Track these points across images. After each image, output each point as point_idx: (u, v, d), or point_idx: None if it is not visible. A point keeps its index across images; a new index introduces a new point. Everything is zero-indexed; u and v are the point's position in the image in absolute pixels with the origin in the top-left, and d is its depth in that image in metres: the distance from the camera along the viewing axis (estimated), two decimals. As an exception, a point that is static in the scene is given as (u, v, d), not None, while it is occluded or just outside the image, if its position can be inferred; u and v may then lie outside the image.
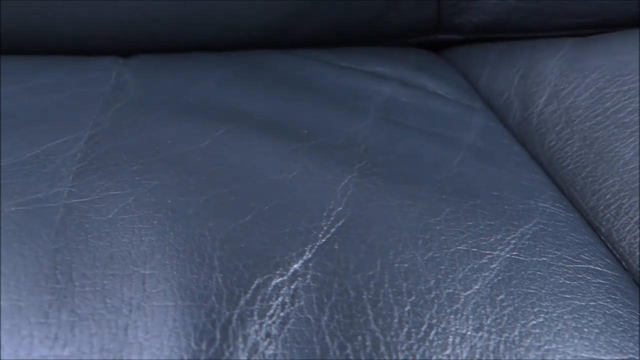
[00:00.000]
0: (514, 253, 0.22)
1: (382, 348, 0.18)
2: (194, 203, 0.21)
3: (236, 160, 0.24)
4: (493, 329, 0.19)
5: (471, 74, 0.39)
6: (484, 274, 0.20)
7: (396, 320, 0.18)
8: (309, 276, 0.19)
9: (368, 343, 0.18)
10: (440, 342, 0.18)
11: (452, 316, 0.19)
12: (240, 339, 0.17)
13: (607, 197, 0.26)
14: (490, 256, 0.21)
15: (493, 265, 0.21)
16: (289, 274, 0.19)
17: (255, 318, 0.18)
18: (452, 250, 0.21)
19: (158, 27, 0.41)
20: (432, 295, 0.19)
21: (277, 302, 0.18)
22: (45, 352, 0.17)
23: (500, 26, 0.38)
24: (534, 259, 0.22)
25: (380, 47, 0.44)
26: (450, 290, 0.19)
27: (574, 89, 0.32)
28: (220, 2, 0.40)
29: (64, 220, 0.20)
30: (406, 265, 0.20)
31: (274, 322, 0.18)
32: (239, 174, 0.23)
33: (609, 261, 0.23)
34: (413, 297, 0.19)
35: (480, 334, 0.19)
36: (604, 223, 0.26)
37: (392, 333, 0.18)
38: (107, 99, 0.31)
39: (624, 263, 0.25)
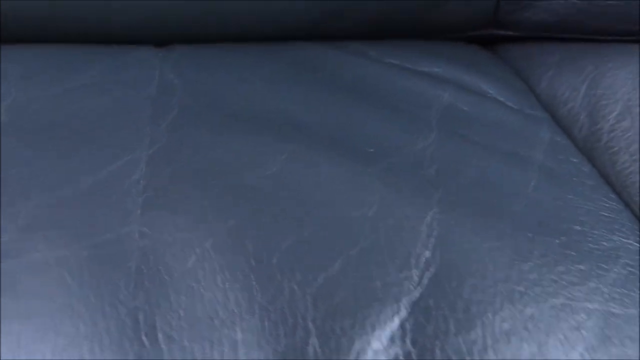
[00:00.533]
0: (610, 305, 0.21)
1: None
2: (277, 249, 0.20)
3: (310, 192, 0.23)
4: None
5: (530, 76, 0.36)
6: (583, 334, 0.19)
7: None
8: (408, 340, 0.18)
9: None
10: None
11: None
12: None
13: (691, 232, 0.25)
14: (586, 310, 0.20)
15: (591, 322, 0.20)
16: (387, 337, 0.18)
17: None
18: (548, 304, 0.20)
19: (195, 16, 0.39)
20: None
21: (379, 372, 0.17)
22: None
23: (562, 26, 0.36)
24: (629, 311, 0.21)
25: (428, 41, 0.42)
26: (553, 357, 0.18)
27: (651, 106, 0.30)
28: None
29: (141, 269, 0.19)
30: (507, 326, 0.19)
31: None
32: (318, 211, 0.22)
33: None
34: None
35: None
36: (687, 260, 0.25)
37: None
38: (156, 107, 0.29)
39: None
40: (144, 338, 0.17)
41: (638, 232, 0.26)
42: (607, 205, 0.27)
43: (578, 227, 0.25)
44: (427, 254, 0.21)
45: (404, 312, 0.19)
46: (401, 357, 0.17)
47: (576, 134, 0.33)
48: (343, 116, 0.30)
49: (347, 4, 0.38)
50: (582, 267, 0.22)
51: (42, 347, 0.16)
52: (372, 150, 0.27)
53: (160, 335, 0.17)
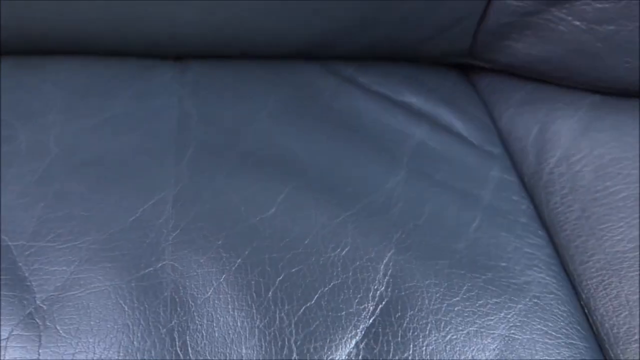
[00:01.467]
0: (512, 331, 0.28)
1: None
2: (272, 284, 0.27)
3: (299, 233, 0.30)
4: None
5: (494, 110, 0.42)
6: (487, 354, 0.27)
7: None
8: (360, 358, 0.26)
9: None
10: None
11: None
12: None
13: (592, 270, 0.33)
14: (493, 335, 0.28)
15: (494, 345, 0.28)
16: (346, 355, 0.26)
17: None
18: (465, 331, 0.28)
19: (205, 32, 0.44)
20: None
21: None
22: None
23: (527, 69, 0.41)
24: (525, 336, 0.28)
25: (414, 65, 0.47)
26: (461, 371, 0.26)
27: (582, 157, 0.36)
28: (269, 15, 0.42)
29: (174, 298, 0.26)
30: (431, 348, 0.26)
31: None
32: (304, 251, 0.29)
33: (583, 332, 0.30)
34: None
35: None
36: (585, 291, 0.32)
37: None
38: (178, 143, 0.35)
39: (594, 329, 0.31)
40: (179, 351, 0.25)
41: (553, 267, 0.33)
42: (532, 241, 0.34)
43: (503, 264, 0.32)
44: (382, 289, 0.28)
45: (359, 336, 0.26)
46: (354, 370, 0.25)
47: (525, 171, 0.39)
48: (332, 154, 0.37)
49: (344, 30, 0.44)
50: (498, 300, 0.30)
51: (111, 357, 0.24)
52: (350, 189, 0.34)
53: (190, 350, 0.25)
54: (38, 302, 0.26)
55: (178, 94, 0.40)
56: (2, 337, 0.25)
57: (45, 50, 0.43)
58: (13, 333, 0.25)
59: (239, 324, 0.26)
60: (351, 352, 0.26)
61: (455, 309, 0.29)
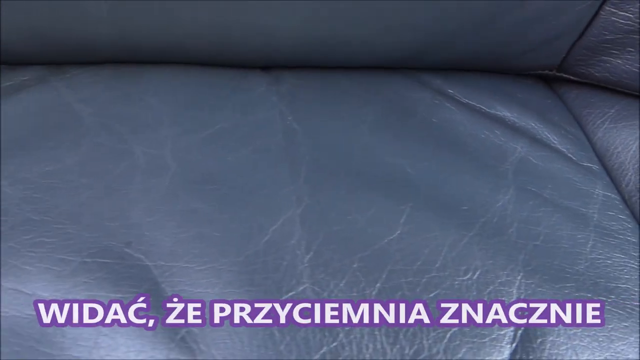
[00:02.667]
0: (644, 356, 0.29)
1: None
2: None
3: (428, 256, 0.30)
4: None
5: (587, 124, 0.42)
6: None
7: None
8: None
9: None
10: None
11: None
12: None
13: None
14: (628, 360, 0.28)
15: (631, 370, 0.28)
16: (495, 382, 0.26)
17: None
18: (602, 357, 0.28)
19: (301, 44, 0.44)
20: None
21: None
22: None
23: (622, 84, 0.41)
24: (658, 361, 0.29)
25: (499, 77, 0.47)
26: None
27: (690, 178, 0.36)
28: (365, 27, 0.42)
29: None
30: (574, 374, 0.27)
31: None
32: (437, 275, 0.29)
33: None
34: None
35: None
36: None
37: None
38: (290, 160, 0.35)
39: None
40: (333, 377, 0.25)
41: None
42: (645, 263, 0.34)
43: (623, 285, 0.32)
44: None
45: (504, 362, 0.27)
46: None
47: (623, 187, 0.39)
48: (439, 169, 0.37)
49: (439, 43, 0.43)
50: (626, 324, 0.30)
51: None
52: (465, 208, 0.34)
53: (343, 375, 0.25)
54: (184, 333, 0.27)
55: (278, 107, 0.40)
56: (160, 362, 0.25)
57: (141, 60, 0.43)
58: (170, 357, 0.25)
59: (388, 350, 0.26)
60: (499, 378, 0.26)
61: (590, 333, 0.29)
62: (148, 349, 0.26)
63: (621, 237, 0.36)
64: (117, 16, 0.39)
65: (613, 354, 0.29)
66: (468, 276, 0.30)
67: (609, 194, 0.39)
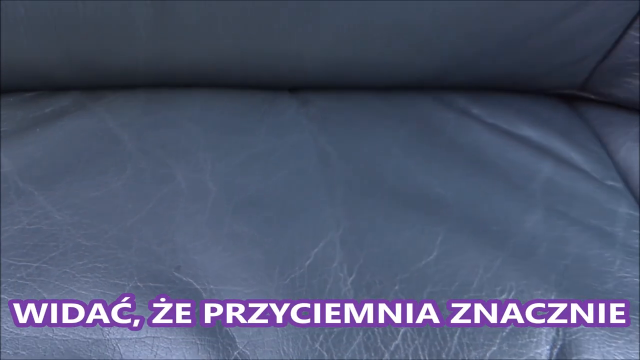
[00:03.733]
0: (676, 373, 0.30)
1: None
2: (455, 330, 0.28)
3: (465, 277, 0.31)
4: None
5: (610, 143, 0.44)
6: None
7: None
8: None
9: None
10: None
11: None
12: None
13: None
14: (660, 378, 0.29)
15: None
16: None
17: None
18: (634, 374, 0.29)
19: (328, 66, 0.45)
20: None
21: None
22: None
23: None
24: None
25: (520, 96, 0.48)
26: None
27: None
28: (384, 49, 0.43)
29: (367, 344, 0.28)
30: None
31: None
32: (475, 296, 0.30)
33: None
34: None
35: None
36: None
37: None
38: (326, 183, 0.36)
39: None
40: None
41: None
42: (671, 280, 0.35)
43: (651, 304, 0.33)
44: (553, 333, 0.30)
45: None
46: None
47: (646, 205, 0.41)
48: (469, 191, 0.38)
49: (463, 64, 0.45)
50: (656, 341, 0.31)
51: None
52: (496, 228, 0.36)
53: (391, 395, 0.26)
54: (240, 347, 0.28)
55: (309, 129, 0.41)
56: (216, 383, 0.26)
57: (173, 84, 0.44)
58: (224, 378, 0.27)
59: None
60: (538, 396, 0.27)
61: (622, 351, 0.30)
62: None
63: (647, 254, 0.37)
64: (155, 42, 0.40)
65: (645, 371, 0.30)
66: (504, 296, 0.31)
67: (632, 212, 0.40)
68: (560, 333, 0.30)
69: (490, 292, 0.31)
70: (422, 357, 0.28)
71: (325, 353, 0.27)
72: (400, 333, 0.29)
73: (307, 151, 0.39)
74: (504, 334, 0.29)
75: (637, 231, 0.38)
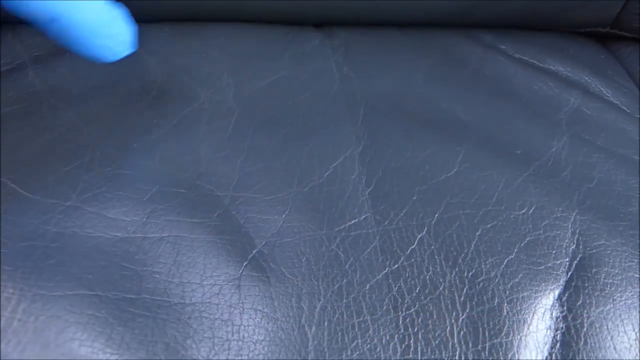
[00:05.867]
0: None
1: None
2: (472, 238, 0.28)
3: (484, 192, 0.31)
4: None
5: (642, 79, 0.42)
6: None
7: None
8: (565, 307, 0.27)
9: None
10: None
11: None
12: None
13: None
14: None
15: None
16: (550, 305, 0.27)
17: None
18: (657, 288, 0.28)
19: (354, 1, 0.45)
20: None
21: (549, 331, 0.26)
22: None
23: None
24: None
25: (549, 34, 0.47)
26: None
27: None
28: None
29: (383, 248, 0.28)
30: (630, 302, 0.27)
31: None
32: (493, 209, 0.30)
33: None
34: None
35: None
36: None
37: None
38: (348, 105, 0.36)
39: None
40: (397, 296, 0.26)
41: None
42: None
43: (678, 226, 0.33)
44: (573, 246, 0.29)
45: (561, 288, 0.28)
46: (560, 317, 0.26)
47: (679, 139, 0.39)
48: (492, 115, 0.37)
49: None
50: (682, 261, 0.30)
51: (337, 300, 0.26)
52: (519, 152, 0.35)
53: (406, 295, 0.27)
54: (259, 246, 0.28)
55: (333, 58, 0.41)
56: (234, 277, 0.27)
57: (198, 19, 0.45)
58: (243, 273, 0.27)
59: (448, 273, 0.27)
60: (555, 303, 0.27)
61: (644, 267, 0.30)
62: (223, 266, 0.28)
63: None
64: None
65: (668, 287, 0.29)
66: (524, 211, 0.31)
67: (664, 143, 0.39)
68: (581, 246, 0.30)
69: (510, 205, 0.31)
70: (438, 262, 0.28)
71: (341, 254, 0.28)
72: (417, 238, 0.29)
73: (330, 77, 0.39)
74: (523, 244, 0.29)
75: (667, 161, 0.37)
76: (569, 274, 0.28)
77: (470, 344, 0.26)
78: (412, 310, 0.26)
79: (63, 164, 0.32)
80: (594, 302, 0.27)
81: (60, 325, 0.26)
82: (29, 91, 0.36)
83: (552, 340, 0.26)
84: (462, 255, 0.28)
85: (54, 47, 0.41)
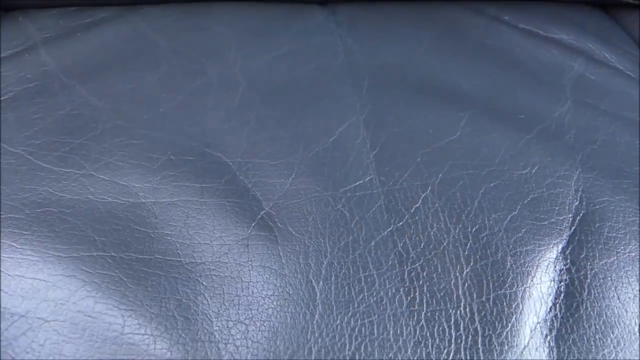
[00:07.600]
0: None
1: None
2: (475, 196, 0.29)
3: (488, 153, 0.31)
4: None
5: (646, 45, 0.42)
6: (686, 263, 0.28)
7: None
8: (568, 260, 0.27)
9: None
10: None
11: None
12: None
13: None
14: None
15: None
16: (554, 258, 0.27)
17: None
18: (662, 242, 0.29)
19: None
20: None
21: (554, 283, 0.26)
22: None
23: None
24: None
25: (554, 4, 0.47)
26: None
27: None
28: None
29: (388, 207, 0.29)
30: (633, 254, 0.28)
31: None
32: (496, 169, 0.30)
33: None
34: None
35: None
36: None
37: None
38: (352, 75, 0.37)
39: None
40: (402, 252, 0.27)
41: None
42: None
43: (683, 185, 0.33)
44: (576, 203, 0.30)
45: (564, 242, 0.28)
46: (564, 269, 0.27)
47: (683, 102, 0.39)
48: (496, 84, 0.38)
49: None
50: (686, 216, 0.31)
51: (343, 256, 0.27)
52: (522, 116, 0.35)
53: (411, 250, 0.27)
54: (266, 208, 0.29)
55: (337, 32, 0.42)
56: (243, 237, 0.28)
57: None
58: (252, 233, 0.28)
59: (452, 229, 0.28)
60: (559, 257, 0.28)
61: (649, 222, 0.30)
62: (232, 227, 0.28)
63: (681, 144, 0.36)
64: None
65: (673, 241, 0.29)
66: (527, 170, 0.31)
67: (669, 107, 0.39)
68: (584, 203, 0.30)
69: (513, 166, 0.31)
70: (442, 219, 0.28)
71: (347, 213, 0.29)
72: (421, 197, 0.29)
73: (334, 50, 0.40)
74: (526, 201, 0.29)
75: (672, 123, 0.37)
76: (573, 228, 0.29)
77: (475, 296, 0.26)
78: (417, 264, 0.27)
79: (76, 137, 0.33)
80: (597, 254, 0.28)
81: (76, 284, 0.27)
82: (42, 70, 0.37)
83: (557, 291, 0.27)
84: (466, 212, 0.29)
85: (64, 29, 0.42)
